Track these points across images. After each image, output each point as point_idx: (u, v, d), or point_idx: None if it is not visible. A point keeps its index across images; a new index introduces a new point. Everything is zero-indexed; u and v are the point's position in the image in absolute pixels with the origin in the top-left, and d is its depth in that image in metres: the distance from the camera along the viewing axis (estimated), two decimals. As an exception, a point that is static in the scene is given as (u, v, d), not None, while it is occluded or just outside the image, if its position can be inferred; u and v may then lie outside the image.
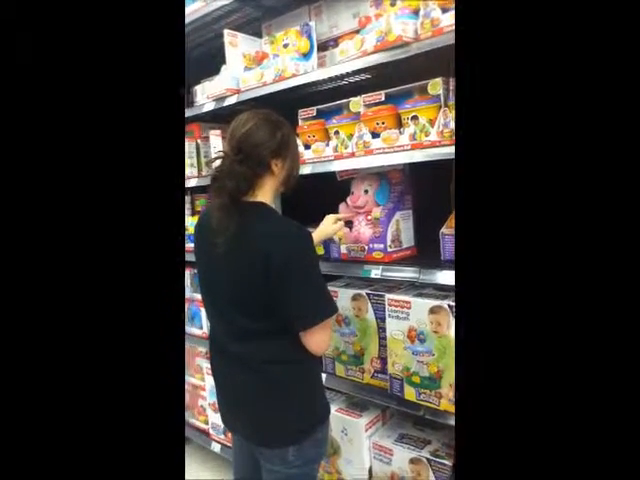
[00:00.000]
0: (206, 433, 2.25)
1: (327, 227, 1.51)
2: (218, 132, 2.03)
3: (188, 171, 2.16)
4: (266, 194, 1.16)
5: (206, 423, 2.25)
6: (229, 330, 1.15)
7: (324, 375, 1.66)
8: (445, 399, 1.35)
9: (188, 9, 2.02)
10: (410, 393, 1.43)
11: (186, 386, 2.25)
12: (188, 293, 2.24)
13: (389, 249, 1.51)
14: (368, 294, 1.54)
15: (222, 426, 2.10)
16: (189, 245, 2.10)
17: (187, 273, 2.26)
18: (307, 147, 1.67)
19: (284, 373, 1.12)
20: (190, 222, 2.19)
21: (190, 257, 1.86)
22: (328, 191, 1.74)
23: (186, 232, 2.17)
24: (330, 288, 1.64)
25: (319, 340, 1.10)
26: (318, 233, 1.51)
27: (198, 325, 2.19)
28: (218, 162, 1.14)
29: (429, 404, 1.39)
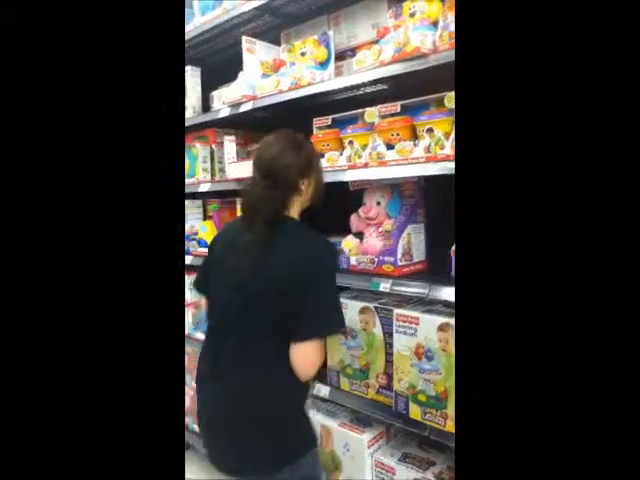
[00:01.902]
0: (208, 440, 2.22)
1: None
2: (232, 138, 2.04)
3: (201, 176, 2.16)
4: (294, 212, 1.21)
5: (208, 430, 2.22)
6: (225, 348, 1.14)
7: (327, 388, 1.63)
8: (451, 420, 1.31)
9: (210, 15, 2.04)
10: (415, 412, 1.39)
11: (188, 391, 2.23)
12: (197, 297, 2.22)
13: (399, 262, 1.48)
14: (376, 308, 1.51)
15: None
16: (200, 250, 2.10)
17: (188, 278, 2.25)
18: (320, 156, 1.65)
19: (263, 397, 1.09)
20: (202, 227, 2.19)
21: (193, 261, 1.87)
22: (341, 201, 1.72)
23: (196, 237, 2.17)
24: (338, 299, 1.62)
25: (310, 357, 1.09)
26: None
27: (203, 330, 2.17)
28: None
29: (434, 424, 1.35)
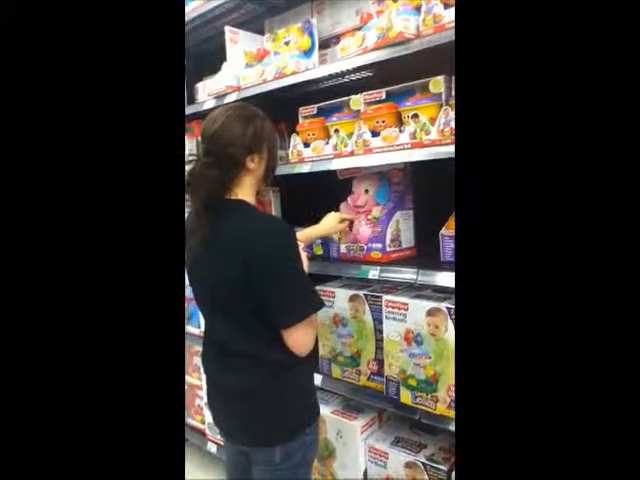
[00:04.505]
0: (202, 433, 2.23)
1: (331, 226, 1.51)
2: (218, 129, 2.01)
3: (187, 168, 2.14)
4: (246, 191, 1.11)
5: (202, 423, 2.23)
6: (218, 329, 1.14)
7: (319, 376, 1.64)
8: (442, 403, 1.32)
9: (190, 6, 2.01)
10: (406, 396, 1.40)
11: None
12: (187, 292, 2.21)
13: (388, 249, 1.49)
14: (365, 295, 1.52)
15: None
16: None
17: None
18: (307, 145, 1.65)
19: (270, 372, 1.09)
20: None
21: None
22: (329, 190, 1.72)
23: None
24: (327, 288, 1.62)
25: (301, 338, 1.07)
26: (319, 230, 1.50)
27: (196, 324, 2.17)
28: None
29: (425, 408, 1.36)
